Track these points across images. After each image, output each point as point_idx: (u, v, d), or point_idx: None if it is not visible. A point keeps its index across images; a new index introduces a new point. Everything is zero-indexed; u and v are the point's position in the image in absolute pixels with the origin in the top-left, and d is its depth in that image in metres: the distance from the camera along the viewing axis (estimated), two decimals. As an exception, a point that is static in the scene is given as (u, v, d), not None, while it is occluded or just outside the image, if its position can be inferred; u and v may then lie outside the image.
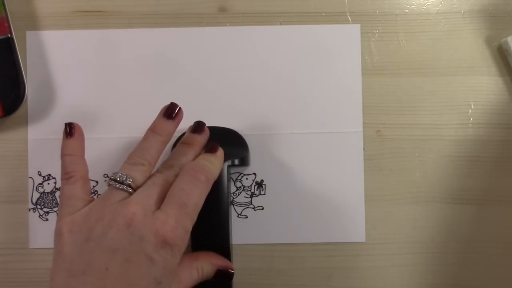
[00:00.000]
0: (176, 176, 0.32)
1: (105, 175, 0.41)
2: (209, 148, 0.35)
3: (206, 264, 0.34)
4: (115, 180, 0.31)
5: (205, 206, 0.37)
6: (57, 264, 0.29)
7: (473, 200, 0.41)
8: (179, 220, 0.29)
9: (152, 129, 0.35)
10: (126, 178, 0.31)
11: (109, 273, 0.26)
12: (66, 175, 0.35)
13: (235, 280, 0.39)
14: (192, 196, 0.31)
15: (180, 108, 0.35)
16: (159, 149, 0.34)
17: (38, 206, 0.41)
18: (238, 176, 0.41)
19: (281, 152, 0.41)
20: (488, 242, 0.41)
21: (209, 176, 0.33)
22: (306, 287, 0.41)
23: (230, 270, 0.35)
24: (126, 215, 0.28)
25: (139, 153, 0.33)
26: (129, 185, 0.31)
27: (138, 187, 0.32)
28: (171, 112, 0.35)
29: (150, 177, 0.33)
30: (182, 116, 0.36)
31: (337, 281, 0.41)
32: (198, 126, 0.36)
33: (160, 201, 0.31)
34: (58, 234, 0.30)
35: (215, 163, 0.34)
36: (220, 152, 0.35)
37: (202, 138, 0.36)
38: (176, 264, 0.29)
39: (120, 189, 0.31)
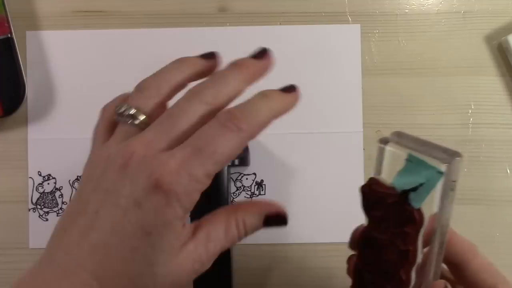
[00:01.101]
0: (207, 109, 0.25)
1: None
2: (283, 88, 0.27)
3: (250, 216, 0.27)
4: (118, 114, 0.26)
5: (205, 206, 0.37)
6: (66, 206, 0.27)
7: (473, 200, 0.41)
8: (185, 164, 0.23)
9: (179, 59, 0.28)
10: (127, 109, 0.26)
11: (98, 217, 0.23)
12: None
13: (235, 280, 0.39)
14: (216, 143, 0.23)
15: (218, 55, 0.28)
16: (180, 81, 0.27)
17: (38, 206, 0.41)
18: (238, 176, 0.41)
19: (281, 152, 0.41)
20: (488, 242, 0.41)
21: (247, 127, 0.24)
22: (306, 287, 0.41)
23: (282, 213, 0.27)
24: (124, 155, 0.24)
25: (153, 78, 0.27)
26: (132, 117, 0.25)
27: (151, 118, 0.25)
28: (208, 55, 0.28)
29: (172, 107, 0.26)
30: (220, 60, 0.28)
31: (337, 281, 0.41)
32: (261, 52, 0.28)
33: (177, 141, 0.24)
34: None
35: (275, 108, 0.26)
36: (296, 94, 0.27)
37: (261, 65, 0.27)
38: (176, 217, 0.23)
39: (129, 123, 0.26)
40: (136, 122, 0.25)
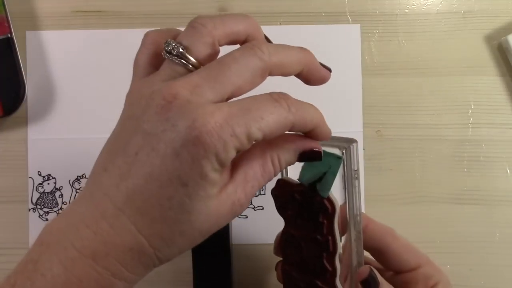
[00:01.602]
0: (260, 66, 0.24)
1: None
2: None
3: (285, 152, 0.26)
4: (167, 51, 0.24)
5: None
6: (107, 140, 0.26)
7: (473, 200, 0.41)
8: (230, 119, 0.22)
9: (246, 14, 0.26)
10: (177, 46, 0.24)
11: (136, 159, 0.23)
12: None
13: (235, 280, 0.39)
14: (264, 110, 0.23)
15: None
16: (238, 30, 0.25)
17: (38, 206, 0.41)
18: (238, 176, 0.41)
19: (281, 152, 0.41)
20: (489, 242, 0.41)
21: (298, 116, 0.25)
22: (306, 287, 0.41)
23: (315, 149, 0.27)
24: (167, 97, 0.22)
25: (210, 17, 0.24)
26: (182, 56, 0.24)
27: (200, 61, 0.24)
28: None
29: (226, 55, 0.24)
30: None
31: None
32: (326, 67, 0.28)
33: (223, 91, 0.23)
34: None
35: (318, 118, 0.27)
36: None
37: (320, 69, 0.28)
38: (214, 169, 0.22)
39: (176, 63, 0.24)
40: (185, 62, 0.24)
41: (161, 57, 0.25)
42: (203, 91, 0.22)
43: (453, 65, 0.42)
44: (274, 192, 0.30)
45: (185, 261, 0.40)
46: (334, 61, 0.42)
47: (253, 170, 0.25)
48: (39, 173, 0.41)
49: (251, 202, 0.41)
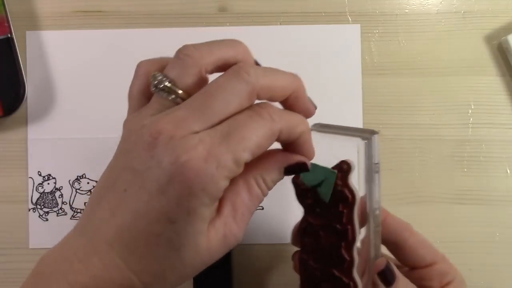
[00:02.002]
0: (247, 90, 0.23)
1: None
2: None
3: (268, 171, 0.25)
4: (154, 85, 0.24)
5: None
6: (103, 172, 0.26)
7: (473, 200, 0.41)
8: (213, 150, 0.22)
9: (233, 39, 0.27)
10: (163, 80, 0.24)
11: (125, 195, 0.23)
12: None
13: (235, 280, 0.39)
14: (246, 128, 0.22)
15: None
16: (226, 57, 0.25)
17: (38, 206, 0.41)
18: (238, 176, 0.41)
19: (281, 152, 0.41)
20: (488, 242, 0.41)
21: (284, 123, 0.24)
22: (306, 287, 0.41)
23: (302, 161, 0.27)
24: (153, 133, 0.22)
25: (196, 46, 0.25)
26: (168, 90, 0.24)
27: (188, 92, 0.24)
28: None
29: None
30: None
31: (337, 281, 0.41)
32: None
33: (210, 121, 0.23)
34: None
35: (306, 124, 0.26)
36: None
37: (307, 105, 0.28)
38: (202, 204, 0.22)
39: (163, 96, 0.24)
40: (172, 97, 0.24)
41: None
42: (187, 124, 0.22)
43: (453, 65, 0.42)
44: (294, 180, 0.29)
45: (185, 261, 0.40)
46: (334, 61, 0.42)
47: (240, 197, 0.25)
48: (39, 173, 0.41)
49: (251, 202, 0.41)
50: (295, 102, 0.26)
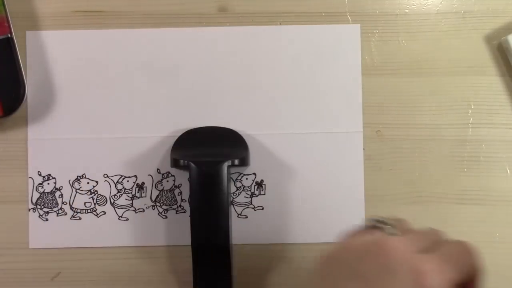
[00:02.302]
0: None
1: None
2: None
3: None
4: (377, 222, 0.28)
5: (205, 206, 0.37)
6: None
7: (473, 200, 0.41)
8: (443, 267, 0.25)
9: None
10: (385, 223, 0.28)
11: None
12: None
13: (235, 280, 0.39)
14: (463, 257, 0.27)
15: None
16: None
17: (38, 206, 0.41)
18: (238, 176, 0.41)
19: (281, 152, 0.41)
20: (488, 242, 0.41)
21: (459, 269, 0.26)
22: (306, 287, 0.41)
23: None
24: (384, 247, 0.25)
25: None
26: (390, 228, 0.27)
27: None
28: None
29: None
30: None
31: (337, 281, 0.41)
32: None
33: (427, 249, 0.26)
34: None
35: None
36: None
37: None
38: None
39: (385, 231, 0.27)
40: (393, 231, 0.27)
41: None
42: (415, 248, 0.25)
43: (453, 65, 0.42)
44: None
45: (185, 261, 0.40)
46: (334, 61, 0.42)
47: None
48: (39, 173, 0.41)
49: (251, 202, 0.41)
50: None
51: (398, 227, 0.27)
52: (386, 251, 0.25)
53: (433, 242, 0.27)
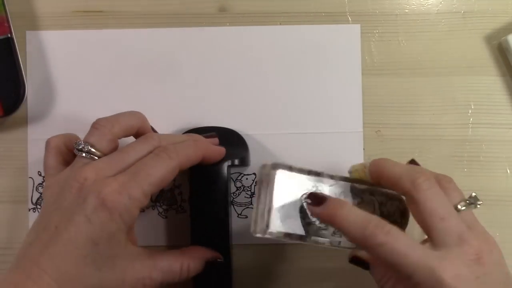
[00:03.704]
0: (152, 148, 0.32)
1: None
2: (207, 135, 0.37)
3: (192, 261, 0.34)
4: (77, 149, 0.32)
5: (205, 206, 0.37)
6: (31, 227, 0.31)
7: (473, 200, 0.41)
8: (125, 185, 0.29)
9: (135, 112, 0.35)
10: (84, 145, 0.32)
11: (56, 231, 0.29)
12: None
13: (235, 280, 0.39)
14: (150, 167, 0.30)
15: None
16: (130, 124, 0.34)
17: (38, 206, 0.41)
18: (238, 176, 0.41)
19: (281, 152, 0.41)
20: (488, 242, 0.41)
21: (176, 156, 0.31)
22: (306, 287, 0.41)
23: (217, 259, 0.36)
24: (79, 179, 0.30)
25: (106, 118, 0.33)
26: (88, 152, 0.31)
27: (104, 153, 0.32)
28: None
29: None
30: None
31: (337, 282, 0.41)
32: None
33: (123, 170, 0.31)
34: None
35: (201, 148, 0.34)
36: (216, 143, 0.36)
37: (216, 149, 0.36)
38: (119, 229, 0.29)
39: (85, 157, 0.31)
40: (92, 156, 0.31)
41: (65, 156, 0.34)
42: (105, 172, 0.30)
43: (453, 65, 0.42)
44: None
45: (185, 261, 0.40)
46: (334, 61, 0.42)
47: (163, 263, 0.32)
48: (39, 173, 0.41)
49: (251, 202, 0.41)
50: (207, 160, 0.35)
51: (103, 151, 0.32)
52: (80, 182, 0.30)
53: (125, 160, 0.31)
